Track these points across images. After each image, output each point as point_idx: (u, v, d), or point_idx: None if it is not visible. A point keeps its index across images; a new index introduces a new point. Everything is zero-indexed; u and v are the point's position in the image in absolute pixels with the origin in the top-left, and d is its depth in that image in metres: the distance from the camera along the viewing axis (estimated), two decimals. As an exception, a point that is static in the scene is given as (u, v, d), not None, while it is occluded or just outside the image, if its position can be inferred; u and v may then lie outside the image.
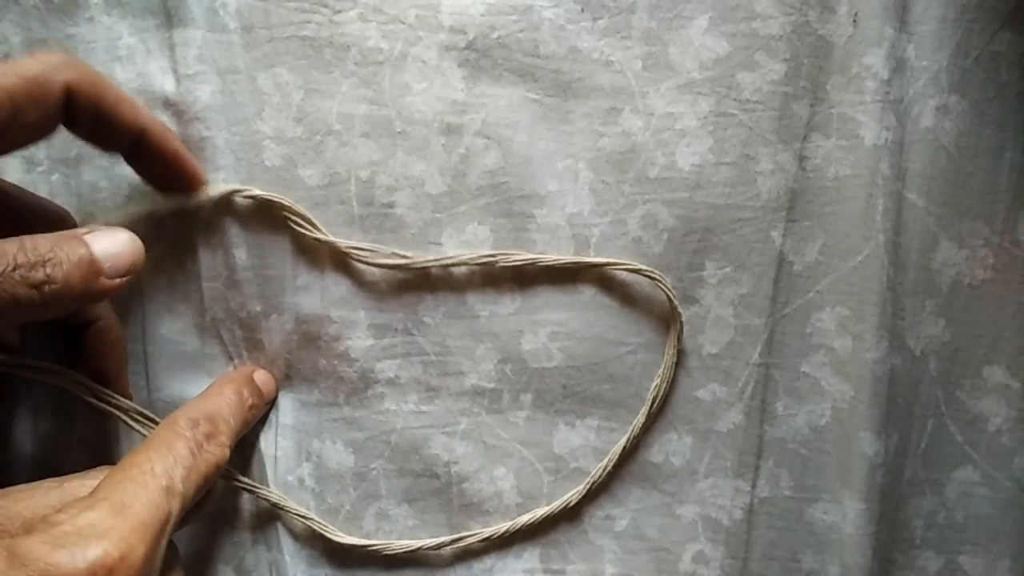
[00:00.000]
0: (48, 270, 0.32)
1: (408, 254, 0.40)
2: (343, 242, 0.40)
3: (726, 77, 0.40)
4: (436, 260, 0.40)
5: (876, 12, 0.39)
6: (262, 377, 0.41)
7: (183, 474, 0.33)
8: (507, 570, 0.41)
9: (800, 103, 0.40)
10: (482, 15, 0.39)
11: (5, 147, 0.33)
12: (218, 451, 0.35)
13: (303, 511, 0.40)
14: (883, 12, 0.39)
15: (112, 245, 0.35)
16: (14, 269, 0.31)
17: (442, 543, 0.40)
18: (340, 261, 0.40)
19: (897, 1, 0.39)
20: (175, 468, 0.32)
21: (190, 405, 0.36)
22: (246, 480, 0.40)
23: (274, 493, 0.40)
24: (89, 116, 0.35)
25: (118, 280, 0.34)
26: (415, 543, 0.41)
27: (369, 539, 0.41)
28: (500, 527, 0.41)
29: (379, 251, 0.40)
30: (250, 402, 0.38)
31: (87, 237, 0.34)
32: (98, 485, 0.31)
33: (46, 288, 0.32)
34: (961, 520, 0.42)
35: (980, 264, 0.41)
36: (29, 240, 0.32)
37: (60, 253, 0.33)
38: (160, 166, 0.38)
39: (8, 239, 0.32)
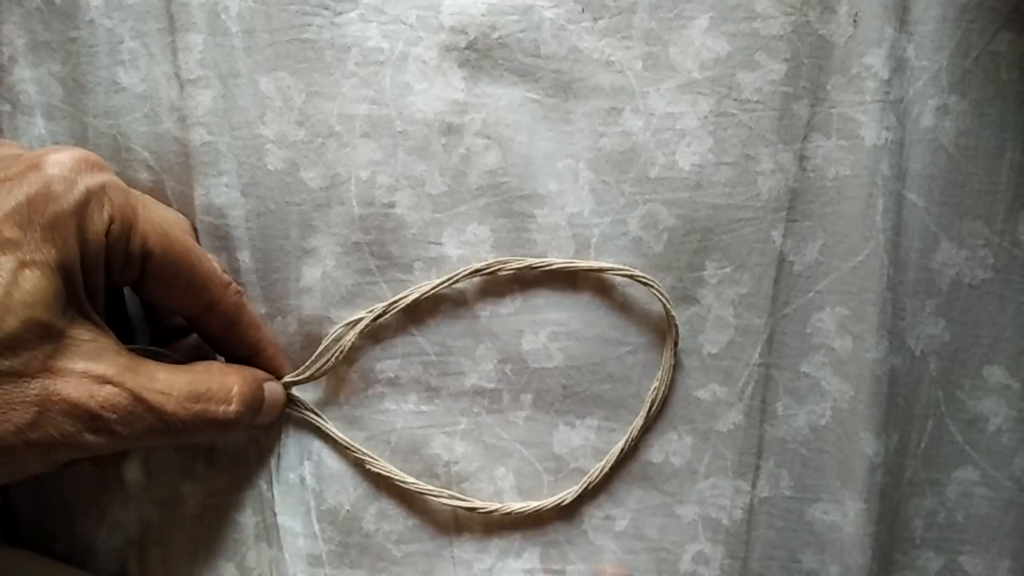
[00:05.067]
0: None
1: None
2: None
3: (726, 77, 0.40)
4: (440, 282, 0.40)
5: (876, 12, 0.39)
6: (272, 390, 0.40)
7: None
8: (507, 570, 0.41)
9: (800, 103, 0.40)
10: (483, 15, 0.39)
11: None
12: None
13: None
14: (883, 12, 0.39)
15: (270, 406, 0.39)
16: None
17: (441, 493, 0.40)
18: (342, 263, 0.40)
19: (897, 1, 0.39)
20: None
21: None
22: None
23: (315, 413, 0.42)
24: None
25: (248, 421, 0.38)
26: (409, 479, 0.41)
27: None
28: (490, 504, 0.40)
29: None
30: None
31: (266, 386, 0.39)
32: None
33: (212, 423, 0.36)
34: (961, 520, 0.42)
35: (980, 264, 0.41)
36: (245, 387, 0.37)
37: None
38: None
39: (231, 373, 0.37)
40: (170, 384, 0.34)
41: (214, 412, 0.35)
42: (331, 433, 0.41)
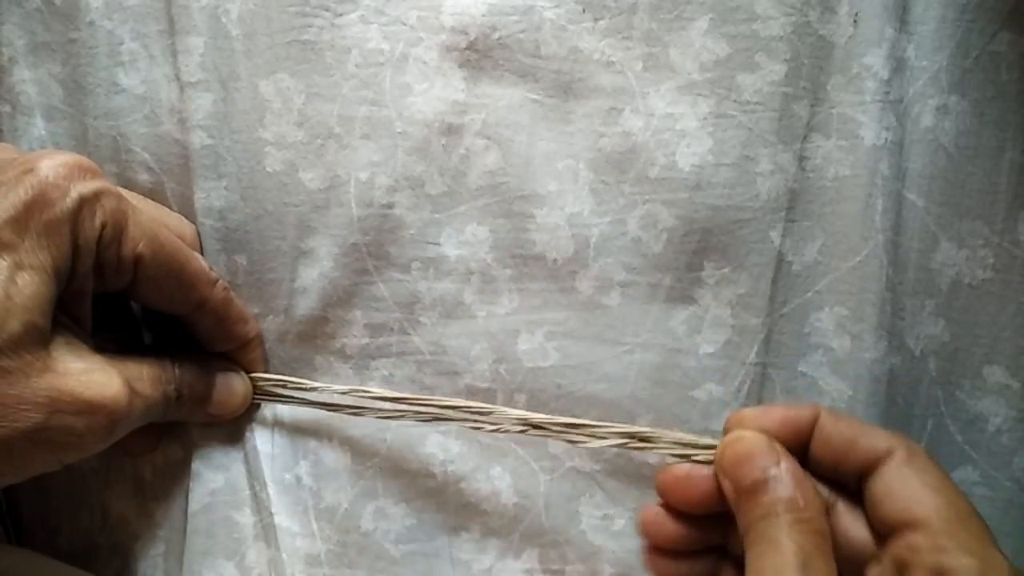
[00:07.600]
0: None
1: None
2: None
3: (726, 78, 0.39)
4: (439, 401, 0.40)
5: (876, 12, 0.39)
6: (227, 380, 0.40)
7: None
8: (506, 570, 0.41)
9: (800, 103, 0.40)
10: (483, 15, 0.39)
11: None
12: None
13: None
14: (883, 12, 0.39)
15: (227, 395, 0.40)
16: (177, 397, 0.38)
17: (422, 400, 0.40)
18: (339, 264, 0.40)
19: (897, 1, 0.39)
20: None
21: None
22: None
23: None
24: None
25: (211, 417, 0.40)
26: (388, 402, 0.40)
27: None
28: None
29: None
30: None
31: (220, 375, 0.40)
32: None
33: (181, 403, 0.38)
34: (961, 520, 0.42)
35: (980, 264, 0.40)
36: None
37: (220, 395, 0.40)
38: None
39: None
40: (140, 370, 0.36)
41: (171, 393, 0.37)
42: (301, 401, 0.41)
